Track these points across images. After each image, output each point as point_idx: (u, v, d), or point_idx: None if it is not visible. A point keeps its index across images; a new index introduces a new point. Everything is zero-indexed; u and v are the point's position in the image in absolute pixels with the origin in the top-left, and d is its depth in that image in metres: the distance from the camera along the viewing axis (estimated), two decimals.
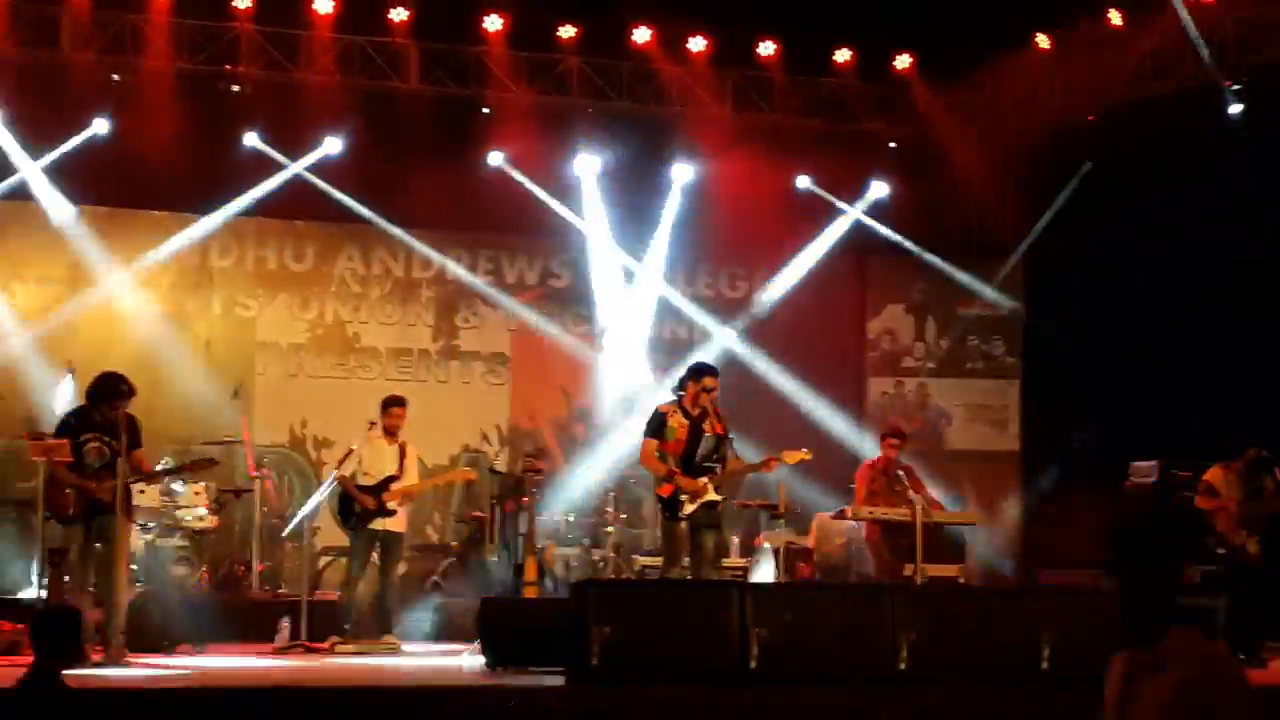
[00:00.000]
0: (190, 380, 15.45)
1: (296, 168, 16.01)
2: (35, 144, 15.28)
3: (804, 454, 11.40)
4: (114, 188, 15.51)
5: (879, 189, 17.55)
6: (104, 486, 10.32)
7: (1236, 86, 14.83)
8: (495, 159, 16.54)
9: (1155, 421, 14.94)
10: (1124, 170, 15.92)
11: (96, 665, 9.94)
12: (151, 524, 13.06)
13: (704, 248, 17.39)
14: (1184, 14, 14.64)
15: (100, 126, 15.28)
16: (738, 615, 8.68)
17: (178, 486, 13.41)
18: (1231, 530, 12.36)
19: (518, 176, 16.56)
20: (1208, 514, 12.50)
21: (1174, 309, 15.60)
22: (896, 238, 17.63)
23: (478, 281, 17.03)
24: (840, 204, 17.48)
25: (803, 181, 17.33)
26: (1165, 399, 15.12)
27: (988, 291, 17.68)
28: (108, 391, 10.49)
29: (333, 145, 16.02)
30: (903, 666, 8.83)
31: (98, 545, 10.44)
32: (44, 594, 10.71)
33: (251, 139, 15.80)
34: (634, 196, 17.03)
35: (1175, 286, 15.64)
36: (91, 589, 10.54)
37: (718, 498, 10.91)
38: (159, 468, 12.24)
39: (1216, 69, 14.70)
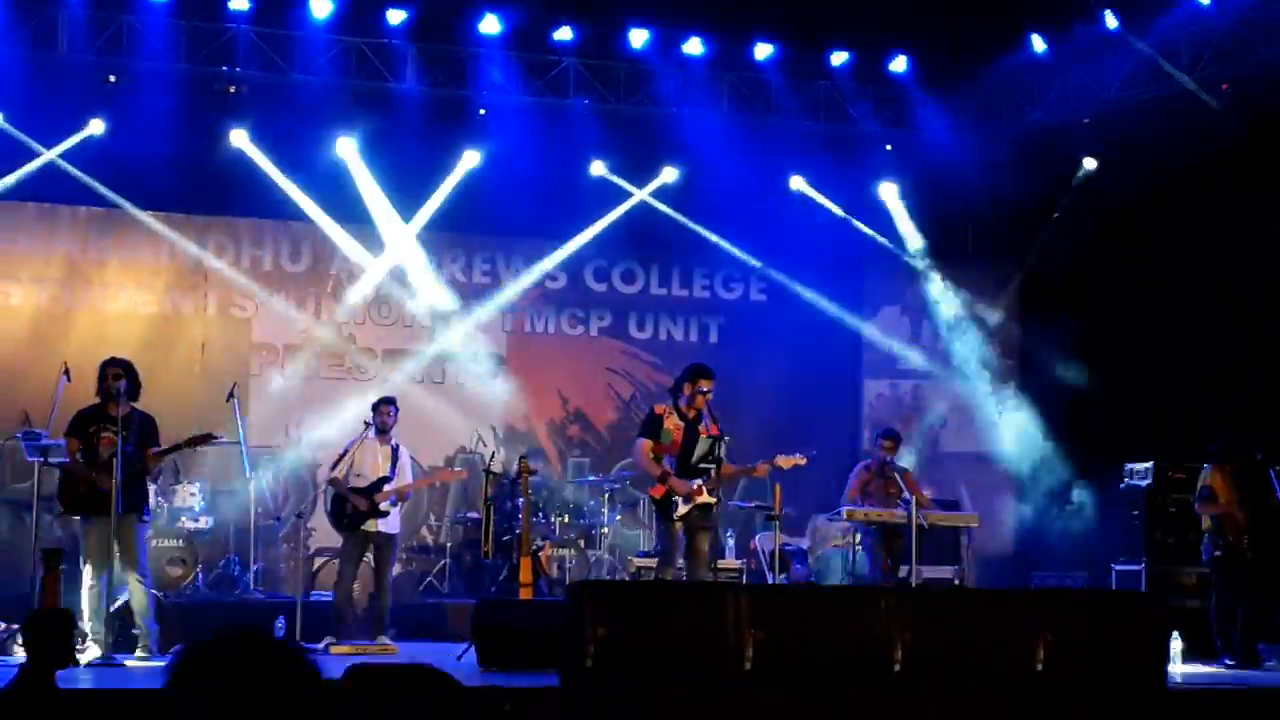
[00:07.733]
0: (185, 381, 15.44)
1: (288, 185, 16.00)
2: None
3: (799, 459, 11.38)
4: (110, 188, 15.48)
5: (875, 191, 17.55)
6: (106, 479, 10.36)
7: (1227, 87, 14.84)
8: (489, 160, 16.52)
9: (1150, 423, 14.94)
10: (1120, 172, 15.93)
11: (88, 666, 9.95)
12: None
13: (699, 249, 17.37)
14: (1143, 45, 14.72)
15: (96, 127, 15.26)
16: (733, 616, 8.67)
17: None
18: (1237, 535, 12.34)
19: (510, 177, 16.54)
20: (1213, 519, 12.47)
21: (1170, 311, 15.60)
22: (892, 240, 17.65)
23: (474, 281, 17.03)
24: (835, 206, 17.47)
25: (798, 183, 17.33)
26: (1161, 400, 15.12)
27: (983, 293, 17.68)
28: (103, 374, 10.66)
29: (329, 146, 16.01)
30: (897, 668, 8.83)
31: (115, 544, 10.49)
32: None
33: (247, 139, 15.75)
34: (628, 197, 17.04)
35: (1172, 288, 15.64)
36: (90, 587, 10.58)
37: (712, 500, 10.91)
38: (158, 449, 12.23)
39: (1196, 80, 14.73)
